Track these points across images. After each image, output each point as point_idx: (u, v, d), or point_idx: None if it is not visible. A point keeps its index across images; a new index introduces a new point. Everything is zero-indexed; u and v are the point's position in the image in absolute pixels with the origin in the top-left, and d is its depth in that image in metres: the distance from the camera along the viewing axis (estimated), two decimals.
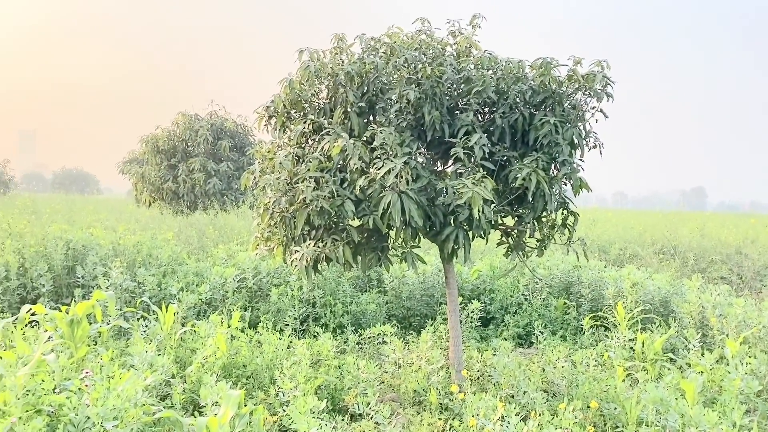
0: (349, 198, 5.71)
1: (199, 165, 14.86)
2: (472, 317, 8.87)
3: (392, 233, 6.09)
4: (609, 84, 5.99)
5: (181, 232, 11.87)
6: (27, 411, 3.82)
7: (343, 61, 6.22)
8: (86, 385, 4.07)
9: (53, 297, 8.97)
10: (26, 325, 6.63)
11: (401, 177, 5.27)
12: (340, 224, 6.04)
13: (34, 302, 8.91)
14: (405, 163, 5.25)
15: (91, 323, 7.01)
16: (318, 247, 5.85)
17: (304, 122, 6.22)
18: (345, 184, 5.80)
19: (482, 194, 5.10)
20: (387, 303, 9.92)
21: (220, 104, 16.24)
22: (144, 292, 9.13)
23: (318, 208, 5.63)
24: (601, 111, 6.10)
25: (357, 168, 5.51)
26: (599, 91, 5.94)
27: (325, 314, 9.28)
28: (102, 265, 9.40)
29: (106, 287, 8.52)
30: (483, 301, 9.99)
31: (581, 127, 6.03)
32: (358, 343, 8.31)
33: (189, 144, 15.64)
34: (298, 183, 5.78)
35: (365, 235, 6.12)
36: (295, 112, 6.56)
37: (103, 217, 15.09)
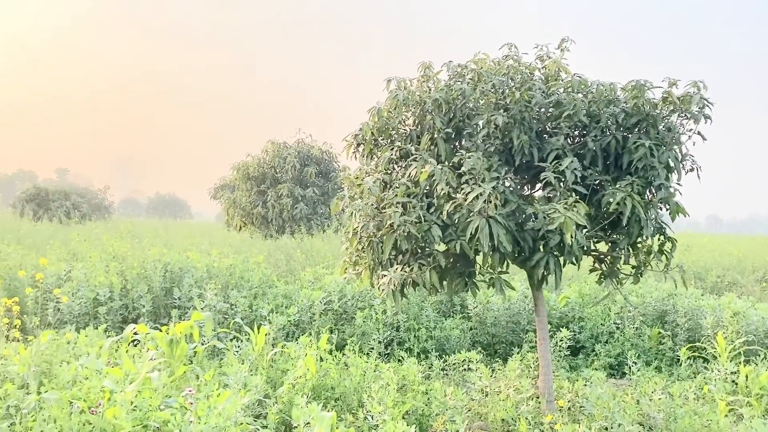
0: (435, 223, 5.75)
1: (287, 191, 15.35)
2: (561, 346, 8.63)
3: (479, 258, 6.06)
4: (707, 105, 5.77)
5: (270, 256, 12.27)
6: (135, 426, 4.04)
7: (430, 89, 6.31)
8: (189, 403, 4.26)
9: (152, 317, 9.44)
10: (129, 344, 7.01)
11: (490, 202, 5.26)
12: (427, 249, 6.08)
13: (134, 321, 9.41)
14: (493, 187, 5.23)
15: (187, 342, 7.33)
16: (405, 271, 5.90)
17: (391, 149, 6.34)
18: (432, 209, 5.84)
19: (575, 219, 5.00)
20: (471, 329, 9.82)
21: (306, 132, 16.79)
22: (236, 313, 9.46)
23: (405, 233, 5.69)
24: (699, 134, 5.88)
25: (444, 193, 5.55)
26: (696, 113, 5.74)
27: (409, 339, 9.29)
28: (197, 287, 9.82)
29: (202, 308, 8.90)
30: (572, 329, 9.70)
31: (677, 150, 5.83)
32: (442, 369, 8.25)
33: (277, 171, 16.21)
34: (385, 208, 5.87)
35: (452, 260, 6.12)
36: (382, 139, 6.69)
37: (197, 240, 15.79)
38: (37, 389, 5.16)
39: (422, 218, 5.68)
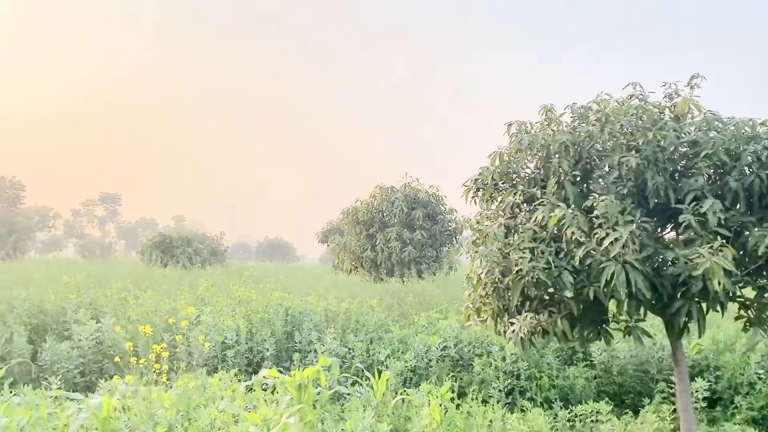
0: (566, 269, 5.60)
1: (395, 234, 15.54)
2: (696, 397, 8.05)
3: (612, 305, 5.82)
4: None
5: (382, 300, 12.39)
6: None
7: (553, 132, 6.23)
8: None
9: (275, 360, 9.72)
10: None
11: (627, 246, 5.07)
12: (556, 295, 5.92)
13: (258, 364, 9.72)
14: (631, 232, 5.04)
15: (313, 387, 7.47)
16: (534, 319, 5.76)
17: (514, 193, 6.28)
18: (561, 254, 5.71)
19: (722, 264, 4.71)
20: (596, 377, 9.37)
21: (413, 176, 17.04)
22: (354, 357, 9.56)
23: (534, 280, 5.57)
24: None
25: (575, 238, 5.41)
26: None
27: (530, 387, 8.99)
28: (316, 331, 10.04)
29: (322, 352, 9.08)
30: (707, 378, 9.03)
31: None
32: (569, 420, 7.90)
33: (385, 215, 16.48)
34: (511, 254, 5.79)
35: (582, 306, 5.91)
36: (503, 183, 6.66)
37: (311, 284, 16.26)
38: None
39: (551, 264, 5.55)
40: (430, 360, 9.52)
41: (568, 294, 5.84)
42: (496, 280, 5.97)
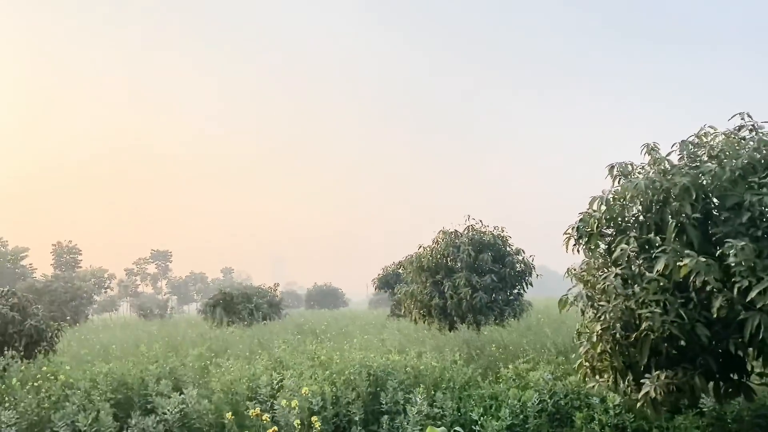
0: (698, 321, 5.13)
1: (464, 280, 15.11)
2: None
3: (752, 357, 5.31)
4: None
5: (462, 351, 11.93)
6: None
7: (664, 172, 5.84)
8: None
9: (363, 423, 9.32)
10: None
11: None
12: (688, 351, 5.43)
13: (345, 430, 9.33)
14: None
15: None
16: (668, 377, 5.28)
17: (627, 241, 5.86)
18: (690, 305, 5.25)
19: None
20: (709, 425, 8.66)
21: (476, 218, 16.65)
22: (444, 416, 9.10)
23: (665, 335, 5.12)
24: None
25: (710, 288, 4.96)
26: None
27: None
28: (402, 390, 9.63)
29: (415, 413, 8.66)
30: None
31: None
32: None
33: (450, 260, 16.08)
34: (634, 307, 5.36)
35: (720, 361, 5.41)
36: (609, 229, 6.26)
37: (377, 334, 15.91)
38: None
39: (684, 316, 5.10)
40: (526, 417, 8.98)
41: (703, 348, 5.35)
42: (618, 336, 5.54)
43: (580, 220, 6.36)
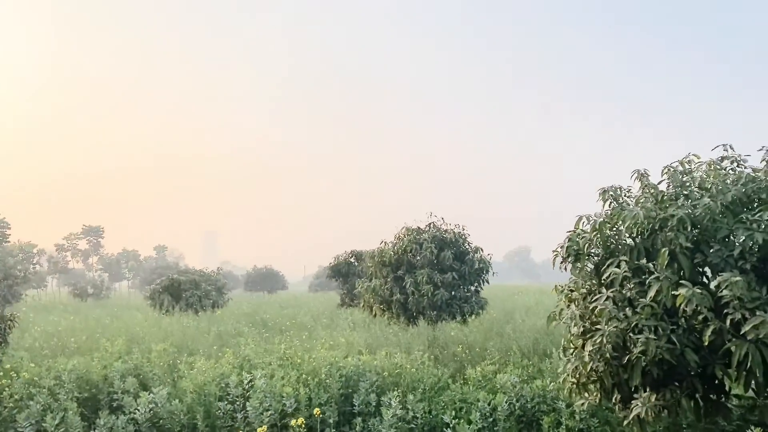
0: (687, 346, 5.43)
1: (426, 276, 15.31)
2: None
3: (733, 382, 5.65)
4: None
5: (426, 350, 12.11)
6: None
7: (658, 201, 6.10)
8: None
9: (335, 426, 9.38)
10: None
11: (764, 327, 4.91)
12: (675, 374, 5.73)
13: None
14: None
15: None
16: (658, 399, 5.56)
17: (618, 264, 6.10)
18: (679, 331, 5.54)
19: None
20: (667, 429, 9.16)
21: (438, 215, 16.85)
22: (416, 418, 9.27)
23: (656, 359, 5.40)
24: None
25: (702, 317, 5.25)
26: None
27: None
28: (373, 392, 9.73)
29: (389, 417, 8.78)
30: None
31: None
32: None
33: (412, 256, 16.24)
34: (627, 331, 5.61)
35: (705, 385, 5.73)
36: (596, 251, 6.50)
37: (339, 326, 15.96)
38: None
39: (675, 342, 5.38)
40: (495, 420, 9.25)
41: (692, 371, 5.66)
42: (608, 356, 5.79)
43: (569, 239, 6.57)
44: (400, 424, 9.14)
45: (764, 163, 6.19)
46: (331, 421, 9.19)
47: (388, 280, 16.30)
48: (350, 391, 10.01)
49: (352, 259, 28.26)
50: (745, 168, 6.20)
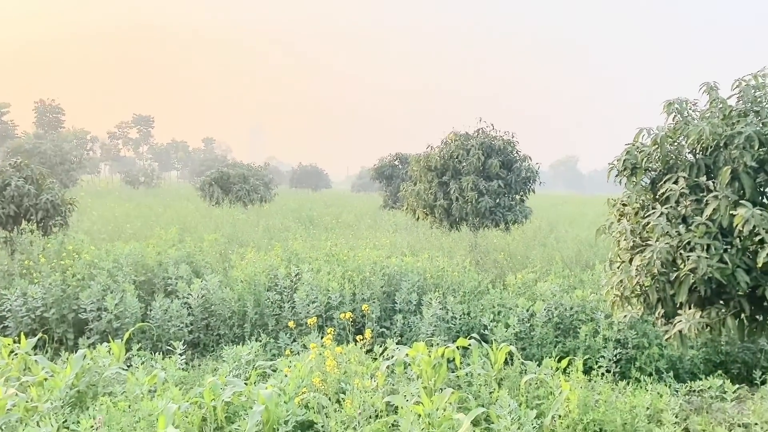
0: (740, 267, 5.36)
1: (471, 183, 15.24)
2: None
3: None
4: None
5: (468, 255, 12.29)
6: None
7: (726, 116, 5.83)
8: None
9: (377, 321, 9.76)
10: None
11: None
12: (723, 293, 5.71)
13: (362, 324, 9.78)
14: None
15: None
16: (703, 316, 5.57)
17: (676, 180, 5.95)
18: (732, 251, 5.45)
19: None
20: (702, 345, 9.24)
21: (487, 121, 16.51)
22: (455, 318, 9.55)
23: (706, 277, 5.36)
24: None
25: (760, 239, 5.14)
26: None
27: (638, 356, 8.91)
28: (415, 292, 10.02)
29: (429, 316, 9.07)
30: None
31: None
32: (686, 394, 7.82)
33: (458, 162, 16.12)
34: (679, 248, 5.55)
35: (753, 305, 5.70)
36: (657, 166, 6.33)
37: (382, 229, 16.24)
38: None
39: (727, 262, 5.31)
40: (533, 326, 9.46)
41: (740, 291, 5.62)
42: (656, 272, 5.77)
43: (627, 152, 6.39)
44: (439, 323, 9.46)
45: None
46: (374, 316, 9.56)
47: (433, 184, 16.30)
48: (392, 289, 10.34)
49: (396, 162, 28.25)
50: None
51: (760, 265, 5.14)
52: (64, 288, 9.42)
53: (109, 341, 7.89)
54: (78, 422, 5.26)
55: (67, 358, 6.67)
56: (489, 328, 9.23)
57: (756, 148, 5.42)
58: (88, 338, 8.99)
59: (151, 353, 8.02)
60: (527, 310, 9.56)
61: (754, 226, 5.08)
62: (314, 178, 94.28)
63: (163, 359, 7.00)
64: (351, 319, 9.69)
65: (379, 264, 10.52)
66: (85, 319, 9.14)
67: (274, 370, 7.19)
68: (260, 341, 8.73)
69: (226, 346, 8.56)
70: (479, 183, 15.38)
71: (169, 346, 8.75)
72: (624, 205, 6.56)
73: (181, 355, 7.40)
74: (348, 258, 10.87)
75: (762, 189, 5.66)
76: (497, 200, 15.80)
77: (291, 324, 8.18)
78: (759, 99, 5.96)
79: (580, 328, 9.26)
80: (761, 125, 5.49)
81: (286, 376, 6.44)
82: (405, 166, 26.68)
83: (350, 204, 35.25)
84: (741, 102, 6.04)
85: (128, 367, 7.24)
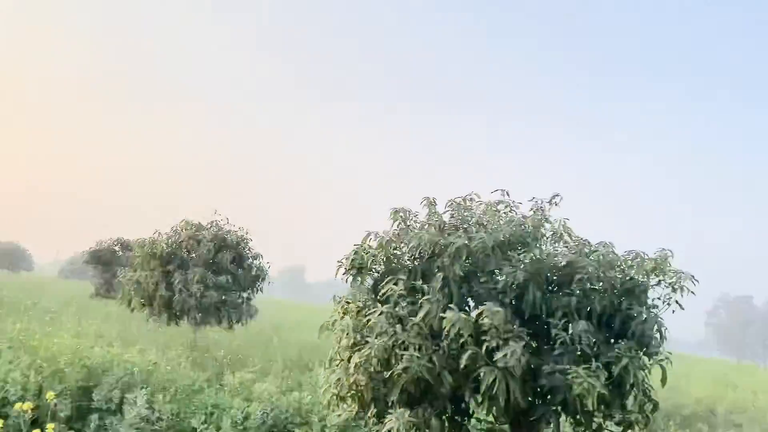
0: (445, 368, 5.76)
1: (199, 276, 14.54)
2: None
3: (477, 406, 6.09)
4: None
5: (187, 351, 11.41)
6: None
7: (440, 228, 6.45)
8: None
9: (66, 420, 8.35)
10: None
11: (513, 357, 5.38)
12: (428, 393, 6.02)
13: (42, 426, 8.25)
14: (524, 346, 5.38)
15: None
16: (411, 416, 5.77)
17: (396, 282, 6.31)
18: (440, 352, 5.85)
19: (598, 387, 5.23)
20: None
21: (222, 215, 16.16)
22: (161, 420, 8.66)
23: (416, 377, 5.64)
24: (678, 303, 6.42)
25: (463, 341, 5.60)
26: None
27: None
28: (118, 389, 8.90)
29: (132, 416, 8.06)
30: None
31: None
32: None
33: (186, 252, 15.37)
34: (394, 347, 5.80)
35: (453, 406, 6.10)
36: (378, 267, 6.70)
37: (91, 317, 14.38)
38: None
39: (435, 363, 5.67)
40: (245, 429, 8.99)
41: (444, 392, 5.98)
42: (373, 371, 5.91)
43: (354, 252, 6.68)
44: (142, 424, 8.45)
45: (532, 212, 6.88)
46: (62, 415, 8.15)
47: (155, 273, 15.19)
48: (92, 384, 9.02)
49: (116, 247, 26.05)
50: (516, 213, 6.85)
51: (462, 366, 5.57)
52: None
53: None
54: None
55: None
56: (199, 430, 8.52)
57: (463, 258, 6.04)
58: None
59: None
60: (242, 412, 9.08)
61: (459, 329, 5.53)
62: (12, 258, 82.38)
63: None
64: (32, 418, 8.16)
65: (78, 354, 9.18)
66: None
67: None
68: None
69: None
70: (207, 276, 14.75)
71: None
72: (348, 302, 6.72)
73: None
74: (40, 346, 9.31)
75: (466, 297, 6.26)
76: (224, 296, 15.25)
77: None
78: (467, 218, 6.75)
79: (294, 431, 9.04)
80: (468, 240, 6.15)
81: None
82: (126, 252, 24.68)
83: (54, 290, 31.11)
84: (453, 218, 6.78)
85: None
